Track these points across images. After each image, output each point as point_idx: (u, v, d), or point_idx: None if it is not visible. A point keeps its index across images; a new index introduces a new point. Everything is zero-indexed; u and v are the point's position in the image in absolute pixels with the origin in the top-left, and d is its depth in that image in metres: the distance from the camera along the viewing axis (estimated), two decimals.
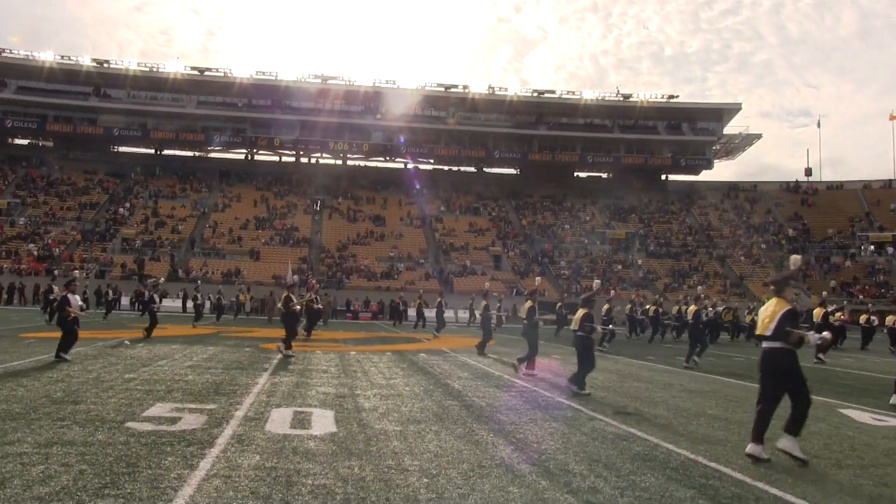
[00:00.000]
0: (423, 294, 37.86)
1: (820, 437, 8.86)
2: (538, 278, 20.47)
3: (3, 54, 67.39)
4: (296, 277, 39.37)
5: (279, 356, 16.87)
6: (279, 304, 19.18)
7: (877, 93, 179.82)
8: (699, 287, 31.98)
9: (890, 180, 77.06)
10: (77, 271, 23.10)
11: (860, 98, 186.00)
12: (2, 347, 16.48)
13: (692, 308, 18.99)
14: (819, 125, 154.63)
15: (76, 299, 15.22)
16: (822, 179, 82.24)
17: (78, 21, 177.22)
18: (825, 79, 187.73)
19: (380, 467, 6.45)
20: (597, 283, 14.77)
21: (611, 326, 21.49)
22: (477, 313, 32.05)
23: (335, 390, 11.54)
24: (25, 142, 73.29)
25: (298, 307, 18.28)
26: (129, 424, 7.93)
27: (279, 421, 8.61)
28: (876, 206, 72.05)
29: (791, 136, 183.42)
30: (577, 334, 12.65)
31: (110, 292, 38.98)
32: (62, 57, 68.76)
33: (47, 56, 67.79)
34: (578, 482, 6.21)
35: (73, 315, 14.54)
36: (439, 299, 32.02)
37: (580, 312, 12.68)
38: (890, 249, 65.62)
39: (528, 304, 15.63)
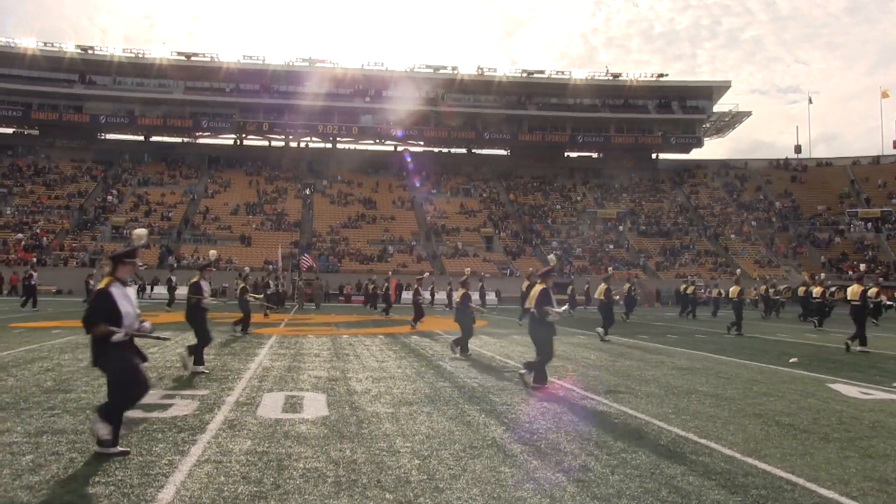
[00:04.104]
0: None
1: (809, 411, 8.93)
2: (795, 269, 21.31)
3: None
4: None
5: (271, 340, 16.86)
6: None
7: (867, 69, 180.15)
8: (630, 272, 33.14)
9: (878, 156, 77.30)
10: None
11: (850, 74, 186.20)
12: None
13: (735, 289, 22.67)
14: (810, 101, 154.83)
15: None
16: (815, 156, 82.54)
17: (58, 4, 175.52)
18: (815, 55, 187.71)
19: (371, 450, 6.46)
20: None
21: None
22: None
23: (327, 374, 11.54)
24: (10, 130, 72.55)
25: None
26: None
27: (271, 405, 8.61)
28: (864, 183, 72.35)
29: (783, 112, 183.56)
30: None
31: (90, 280, 39.02)
32: (45, 44, 68.07)
33: (29, 43, 67.00)
34: (570, 461, 6.23)
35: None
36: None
37: None
38: (869, 225, 66.03)
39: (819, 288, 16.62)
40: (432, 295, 43.23)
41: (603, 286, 20.13)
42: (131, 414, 7.76)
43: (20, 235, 54.23)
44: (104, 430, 5.95)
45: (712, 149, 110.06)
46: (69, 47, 68.33)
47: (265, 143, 76.67)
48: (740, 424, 8.02)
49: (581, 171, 77.63)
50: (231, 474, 5.56)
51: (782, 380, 11.86)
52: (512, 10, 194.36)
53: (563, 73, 75.11)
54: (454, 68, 73.25)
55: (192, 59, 70.30)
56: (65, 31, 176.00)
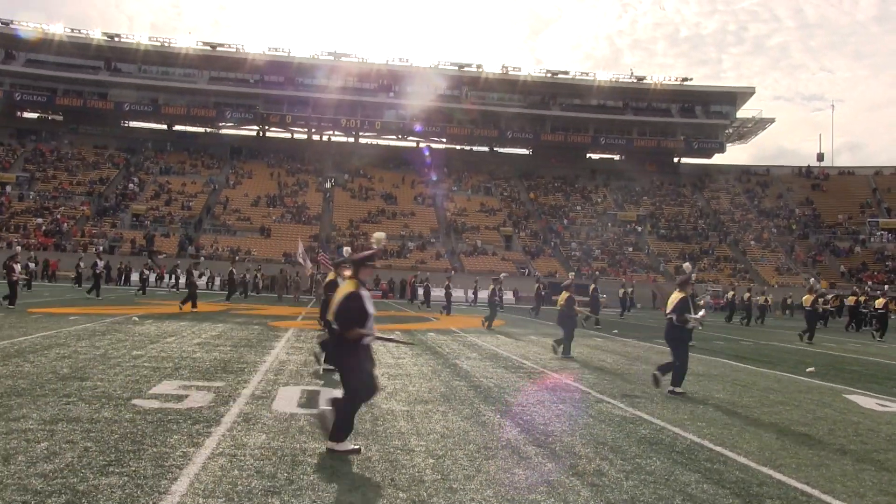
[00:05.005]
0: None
1: (825, 422, 8.83)
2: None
3: (12, 26, 66.99)
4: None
5: (288, 334, 16.90)
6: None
7: (894, 78, 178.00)
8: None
9: None
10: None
11: (876, 83, 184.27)
12: (9, 322, 16.52)
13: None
14: (833, 109, 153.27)
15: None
16: (837, 165, 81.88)
17: None
18: (841, 63, 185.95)
19: (386, 447, 6.46)
20: None
21: None
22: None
23: None
24: (34, 115, 73.22)
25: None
26: (136, 402, 7.94)
27: (286, 400, 8.61)
28: (886, 193, 71.58)
29: (807, 119, 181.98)
30: None
31: (145, 270, 39.71)
32: (72, 30, 68.58)
33: (57, 28, 67.49)
34: (584, 465, 6.20)
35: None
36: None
37: None
38: (890, 235, 65.24)
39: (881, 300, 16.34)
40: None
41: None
42: (147, 404, 7.82)
43: (40, 220, 54.67)
44: (330, 424, 6.23)
45: (735, 154, 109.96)
46: (96, 34, 68.73)
47: (288, 135, 76.94)
48: (756, 433, 7.95)
49: (602, 173, 77.37)
50: (245, 468, 5.56)
51: (799, 389, 11.75)
52: (539, 10, 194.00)
53: (587, 74, 74.88)
54: (479, 66, 73.20)
55: (218, 49, 70.59)
56: (92, 18, 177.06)
